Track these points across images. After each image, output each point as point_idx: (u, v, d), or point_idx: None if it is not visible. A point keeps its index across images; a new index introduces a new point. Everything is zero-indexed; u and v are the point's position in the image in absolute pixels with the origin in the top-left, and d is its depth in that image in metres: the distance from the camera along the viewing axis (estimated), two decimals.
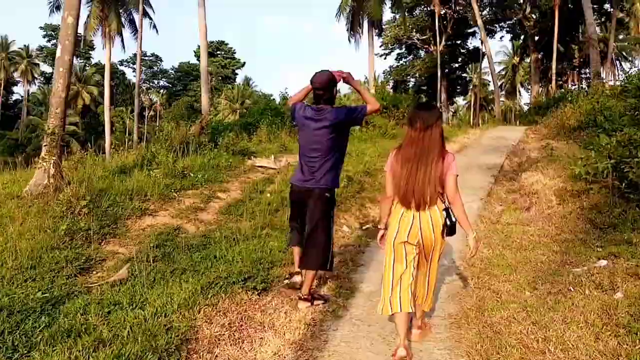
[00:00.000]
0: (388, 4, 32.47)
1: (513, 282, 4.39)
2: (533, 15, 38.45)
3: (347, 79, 4.14)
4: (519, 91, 62.16)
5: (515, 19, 40.74)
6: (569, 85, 49.31)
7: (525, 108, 44.61)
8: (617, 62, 47.22)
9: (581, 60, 43.40)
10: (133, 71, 62.12)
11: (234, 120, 19.89)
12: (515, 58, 58.11)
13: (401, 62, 47.05)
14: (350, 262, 5.27)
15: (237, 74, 66.13)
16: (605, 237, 5.18)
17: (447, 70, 44.47)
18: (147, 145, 9.44)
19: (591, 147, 6.16)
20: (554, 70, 30.62)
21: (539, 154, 9.54)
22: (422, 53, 46.34)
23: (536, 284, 4.34)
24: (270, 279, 4.40)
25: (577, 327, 3.43)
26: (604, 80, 19.54)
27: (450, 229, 3.25)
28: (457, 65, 49.09)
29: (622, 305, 3.67)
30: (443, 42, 40.17)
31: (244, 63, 66.37)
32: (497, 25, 43.92)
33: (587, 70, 48.50)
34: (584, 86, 44.64)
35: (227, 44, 65.50)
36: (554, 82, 30.84)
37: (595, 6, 36.79)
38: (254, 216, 6.47)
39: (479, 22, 30.44)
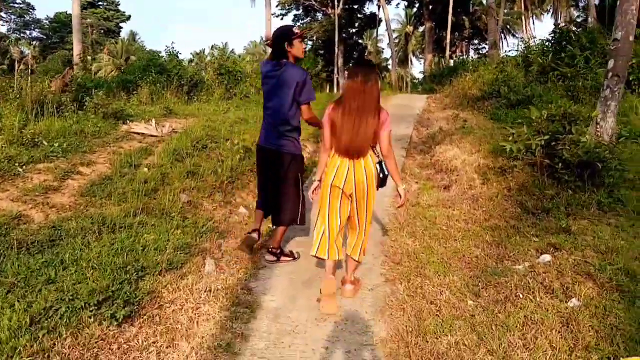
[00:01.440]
0: None
1: (450, 287, 3.58)
2: None
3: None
4: (411, 60, 63.74)
5: None
6: (458, 55, 51.32)
7: (418, 77, 45.70)
8: (502, 35, 49.78)
9: (471, 31, 45.05)
10: (1, 19, 54.43)
11: (112, 77, 17.45)
12: (409, 27, 59.20)
13: (298, 23, 45.60)
14: (250, 262, 4.16)
15: (121, 27, 60.37)
16: (539, 224, 4.59)
17: (344, 35, 43.88)
18: None
19: (519, 122, 5.55)
20: (448, 40, 31.12)
21: (450, 125, 9.00)
22: (319, 16, 45.28)
23: (477, 288, 3.57)
24: (138, 297, 3.16)
25: (544, 355, 2.68)
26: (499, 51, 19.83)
27: (382, 181, 3.53)
28: (354, 30, 48.76)
29: (583, 317, 3.00)
30: (341, 6, 39.37)
31: (129, 16, 60.70)
32: None
33: (476, 41, 50.85)
34: (472, 56, 46.66)
35: None
36: (447, 51, 31.36)
37: None
38: (125, 198, 5.09)
39: None
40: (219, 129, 8.18)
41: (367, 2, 45.52)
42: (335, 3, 37.67)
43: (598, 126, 5.36)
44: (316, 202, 3.63)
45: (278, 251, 4.16)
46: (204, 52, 48.62)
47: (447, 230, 4.67)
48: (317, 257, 3.56)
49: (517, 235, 4.40)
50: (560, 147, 4.87)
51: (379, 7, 44.31)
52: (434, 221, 4.87)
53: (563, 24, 14.63)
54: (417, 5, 46.52)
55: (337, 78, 35.57)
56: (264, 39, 29.54)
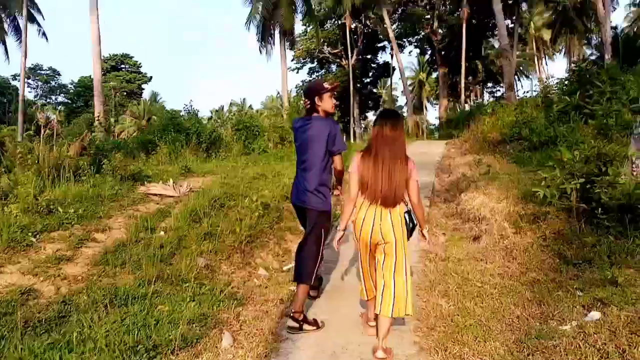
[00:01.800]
0: (299, 16, 31.78)
1: (493, 355, 3.23)
2: (440, 30, 39.48)
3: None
4: (426, 106, 64.10)
5: (423, 34, 41.70)
6: (473, 99, 51.49)
7: (434, 122, 45.73)
8: (515, 77, 49.95)
9: (484, 75, 45.33)
10: (28, 86, 56.75)
11: (132, 138, 17.73)
12: (422, 73, 59.95)
13: (313, 76, 46.55)
14: (270, 334, 3.86)
15: (143, 89, 62.32)
16: (582, 275, 4.22)
17: (359, 85, 44.60)
18: (7, 171, 7.47)
19: (549, 164, 5.26)
20: (462, 84, 31.24)
21: (472, 171, 8.74)
22: (334, 67, 46.23)
23: (523, 355, 3.20)
24: None
25: None
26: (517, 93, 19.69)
27: (410, 231, 3.52)
28: (368, 80, 49.54)
29: None
30: (354, 56, 40.18)
31: (151, 77, 62.83)
32: (405, 40, 44.80)
33: (490, 84, 51.11)
34: (486, 99, 46.73)
35: (132, 57, 61.67)
36: (463, 95, 31.44)
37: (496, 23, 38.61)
38: (140, 265, 4.89)
39: (391, 35, 30.43)
40: (237, 186, 8.04)
41: (380, 51, 46.50)
42: (349, 54, 38.44)
43: (634, 165, 5.04)
44: (341, 253, 3.84)
45: (301, 317, 3.89)
46: (222, 108, 49.96)
47: (482, 287, 4.33)
48: (366, 300, 3.76)
49: (559, 290, 4.04)
50: (597, 190, 4.55)
51: (392, 55, 45.12)
52: (466, 277, 4.54)
53: (577, 63, 14.43)
54: (429, 52, 47.29)
55: (354, 128, 35.83)
56: (279, 93, 30.02)
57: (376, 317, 3.48)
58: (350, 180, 3.52)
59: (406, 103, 37.75)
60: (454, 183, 8.31)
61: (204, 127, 15.16)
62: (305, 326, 3.88)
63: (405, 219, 3.47)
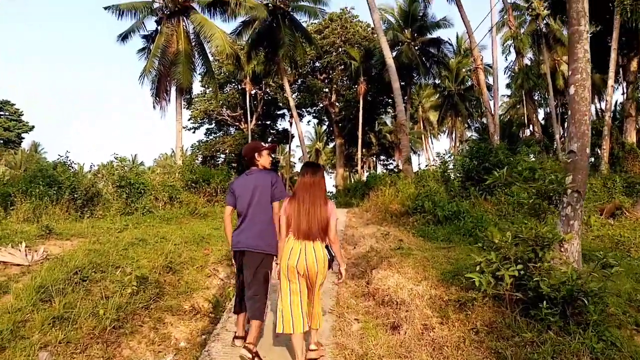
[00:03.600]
0: (198, 76, 30.99)
1: None
2: (337, 103, 40.73)
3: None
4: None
5: (321, 105, 42.73)
6: (367, 170, 53.20)
7: (331, 190, 46.21)
8: None
9: (378, 148, 47.17)
10: None
11: None
12: (319, 143, 61.39)
13: (211, 137, 45.39)
14: None
15: (23, 138, 56.74)
16: None
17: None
18: None
19: (481, 246, 4.67)
20: (359, 155, 31.93)
21: (380, 243, 8.08)
22: (232, 130, 45.50)
23: None
24: None
25: None
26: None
27: (330, 262, 4.09)
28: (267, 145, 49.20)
29: None
30: (254, 121, 39.92)
31: (33, 127, 57.45)
32: (304, 110, 45.59)
33: (383, 157, 53.27)
34: (380, 170, 48.40)
35: (12, 104, 56.28)
36: (359, 166, 32.02)
37: (390, 101, 40.70)
38: None
39: (292, 103, 30.55)
40: (108, 254, 6.62)
41: (280, 118, 46.82)
42: (249, 118, 38.09)
43: (562, 249, 4.60)
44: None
45: (254, 350, 4.16)
46: (111, 163, 46.06)
47: None
48: (286, 334, 4.04)
49: None
50: (535, 278, 3.98)
51: (291, 123, 45.61)
52: None
53: (471, 140, 14.99)
54: (327, 123, 48.52)
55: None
56: (174, 151, 28.29)
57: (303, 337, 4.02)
58: (281, 222, 4.14)
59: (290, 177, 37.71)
60: (362, 257, 7.55)
61: (79, 182, 13.30)
62: None
63: (325, 253, 4.02)
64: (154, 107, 28.24)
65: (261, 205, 4.45)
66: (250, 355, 4.07)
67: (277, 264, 4.15)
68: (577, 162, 4.77)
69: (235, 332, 4.70)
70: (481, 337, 4.13)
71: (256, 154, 4.65)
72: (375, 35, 37.31)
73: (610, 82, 21.39)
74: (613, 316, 4.21)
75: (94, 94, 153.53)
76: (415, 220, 10.56)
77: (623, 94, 28.74)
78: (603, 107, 52.97)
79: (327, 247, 4.06)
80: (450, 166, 13.46)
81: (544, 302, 3.88)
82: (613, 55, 20.66)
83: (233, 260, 4.70)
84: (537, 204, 4.31)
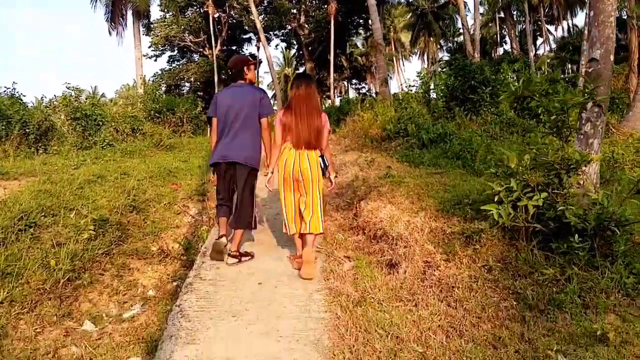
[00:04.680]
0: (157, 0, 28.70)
1: None
2: (307, 25, 38.72)
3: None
4: None
5: (290, 27, 40.62)
6: (338, 95, 51.98)
7: None
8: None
9: (350, 71, 45.78)
10: None
11: None
12: (287, 68, 59.31)
13: (174, 65, 43.03)
14: None
15: None
16: (556, 328, 3.01)
17: (224, 76, 42.14)
18: None
19: (490, 171, 4.04)
20: (331, 80, 30.80)
21: (366, 172, 7.45)
22: (196, 57, 43.15)
23: None
24: None
25: None
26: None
27: (323, 170, 4.30)
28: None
29: None
30: (218, 47, 37.77)
31: None
32: (272, 33, 43.34)
33: (355, 81, 52.00)
34: (352, 95, 47.32)
35: None
36: (332, 90, 30.91)
37: (362, 21, 38.92)
38: None
39: (259, 26, 28.73)
40: (60, 194, 5.81)
41: (246, 43, 44.58)
42: (213, 44, 36.00)
43: (580, 171, 4.03)
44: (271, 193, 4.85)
45: (237, 254, 4.54)
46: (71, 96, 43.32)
47: (425, 353, 2.91)
48: (290, 235, 4.40)
49: (534, 356, 2.76)
50: (560, 207, 3.41)
51: (258, 48, 43.45)
52: (398, 336, 3.09)
53: (433, 64, 14.18)
54: (295, 46, 46.47)
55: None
56: (136, 81, 26.34)
57: (301, 237, 4.32)
58: (276, 131, 4.26)
59: (274, 95, 36.42)
60: (346, 186, 6.94)
61: (31, 115, 12.13)
62: (243, 258, 4.55)
63: (319, 161, 4.24)
64: (109, 33, 26.30)
65: (249, 119, 4.50)
66: (236, 260, 4.46)
67: (269, 172, 4.32)
68: (600, 71, 4.10)
69: (219, 232, 4.70)
70: (495, 276, 3.61)
71: (245, 67, 4.67)
72: None
73: None
74: (638, 245, 3.72)
75: (40, 28, 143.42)
76: (397, 145, 9.95)
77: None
78: (578, 23, 52.18)
79: (321, 156, 4.26)
80: (432, 86, 12.73)
81: (575, 234, 3.32)
82: None
83: (212, 171, 4.75)
84: (560, 120, 3.66)
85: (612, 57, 4.14)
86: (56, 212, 5.32)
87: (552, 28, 49.68)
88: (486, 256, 3.80)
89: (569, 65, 36.63)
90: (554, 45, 47.08)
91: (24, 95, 12.85)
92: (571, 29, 47.59)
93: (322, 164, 4.24)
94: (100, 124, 11.81)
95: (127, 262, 5.15)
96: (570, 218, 3.32)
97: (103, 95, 52.46)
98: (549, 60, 37.60)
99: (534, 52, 41.01)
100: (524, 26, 38.38)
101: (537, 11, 41.02)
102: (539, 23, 45.52)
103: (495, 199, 3.63)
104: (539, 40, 48.46)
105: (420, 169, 7.34)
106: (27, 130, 11.85)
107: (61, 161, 8.78)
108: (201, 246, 5.29)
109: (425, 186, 5.73)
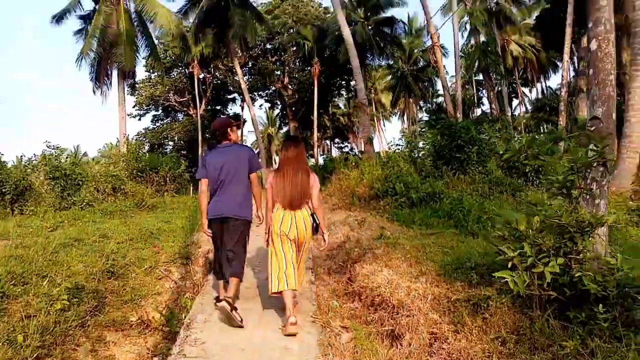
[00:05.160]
0: (142, 61, 29.09)
1: None
2: (290, 86, 39.49)
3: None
4: (275, 160, 64.00)
5: (274, 88, 41.36)
6: (320, 154, 52.41)
7: None
8: (357, 134, 52.11)
9: (333, 130, 46.39)
10: None
11: None
12: (271, 128, 59.98)
13: (158, 124, 43.16)
14: None
15: None
16: None
17: (208, 135, 42.29)
18: None
19: (497, 234, 3.81)
20: (315, 138, 31.00)
21: (357, 232, 7.20)
22: (180, 116, 43.41)
23: None
24: None
25: None
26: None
27: (315, 229, 4.53)
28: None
29: None
30: (203, 106, 38.13)
31: None
32: (256, 94, 44.03)
33: (337, 140, 52.64)
34: (335, 154, 47.73)
35: None
36: (316, 149, 31.08)
37: (344, 82, 39.85)
38: None
39: (243, 86, 29.13)
40: (33, 260, 5.41)
41: (230, 103, 45.15)
42: (198, 104, 36.35)
43: (594, 235, 3.82)
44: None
45: (234, 304, 4.52)
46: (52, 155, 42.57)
47: None
48: (277, 294, 4.43)
49: None
50: (576, 273, 3.18)
51: (242, 107, 44.00)
52: None
53: (435, 117, 14.33)
54: (279, 106, 47.16)
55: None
56: (119, 140, 26.08)
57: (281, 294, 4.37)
58: (267, 194, 4.51)
59: (258, 153, 36.49)
60: (337, 248, 6.65)
61: (8, 175, 11.74)
62: (234, 314, 4.41)
63: (311, 220, 4.45)
64: (93, 92, 26.28)
65: (240, 177, 4.71)
66: (229, 308, 4.39)
67: (266, 233, 4.59)
68: (602, 130, 4.00)
69: (219, 296, 4.82)
70: (510, 349, 3.30)
71: (228, 129, 4.92)
72: (328, 15, 36.30)
73: (566, 57, 21.26)
74: None
75: (33, 83, 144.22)
76: (386, 204, 9.76)
77: (574, 70, 29.06)
78: (552, 86, 54.25)
79: (312, 215, 4.48)
80: (419, 145, 12.76)
81: (595, 302, 3.08)
82: (568, 30, 20.51)
83: (207, 229, 4.87)
84: (569, 180, 3.50)
85: (614, 116, 4.06)
86: (27, 280, 4.92)
87: (526, 90, 51.67)
88: (498, 326, 3.51)
89: (545, 125, 37.65)
90: (529, 107, 48.78)
91: (2, 154, 12.47)
92: (545, 91, 49.48)
93: (314, 223, 4.45)
94: (80, 183, 11.45)
95: (103, 335, 4.71)
96: (590, 285, 3.08)
97: (85, 154, 52.03)
98: (524, 121, 38.72)
99: (510, 113, 42.28)
100: (499, 88, 39.66)
101: (512, 74, 42.64)
102: (514, 85, 47.27)
103: (509, 265, 3.39)
104: (515, 102, 50.19)
105: (413, 229, 7.12)
106: (4, 190, 11.44)
107: (37, 222, 8.36)
108: (185, 317, 4.88)
109: (422, 248, 5.49)
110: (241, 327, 4.40)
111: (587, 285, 3.11)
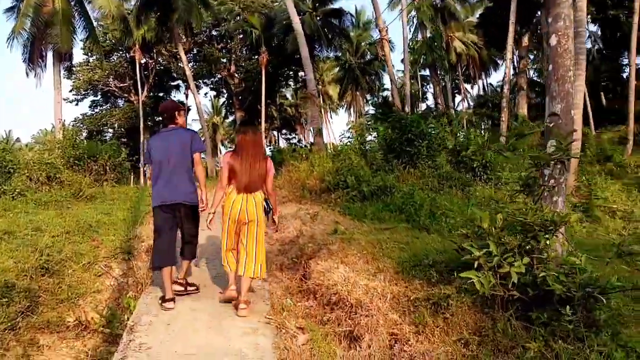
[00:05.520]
0: (80, 44, 27.49)
1: None
2: (237, 74, 38.67)
3: None
4: (220, 150, 62.84)
5: (219, 76, 40.39)
6: (267, 145, 51.87)
7: None
8: (305, 125, 52.02)
9: (280, 121, 45.93)
10: None
11: None
12: (216, 117, 58.77)
13: (97, 110, 41.16)
14: None
15: None
16: None
17: (150, 122, 40.75)
18: None
19: (461, 232, 3.72)
20: (263, 129, 30.42)
21: (310, 227, 7.01)
22: (121, 102, 41.59)
23: None
24: None
25: None
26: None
27: (267, 213, 4.64)
28: (160, 118, 45.83)
29: None
30: (145, 93, 36.67)
31: None
32: (201, 82, 42.84)
33: (285, 131, 52.25)
34: (282, 145, 47.35)
35: None
36: (263, 140, 30.58)
37: (292, 73, 39.46)
38: None
39: (188, 73, 28.26)
40: None
41: (174, 90, 43.72)
42: (139, 90, 34.90)
43: (557, 233, 3.82)
44: (211, 232, 5.01)
45: (184, 282, 4.95)
46: None
47: None
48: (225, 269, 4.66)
49: None
50: (540, 272, 3.13)
51: (186, 95, 42.72)
52: None
53: (360, 117, 14.36)
54: (225, 95, 46.15)
55: (145, 169, 31.94)
56: (55, 125, 24.49)
57: (237, 279, 4.57)
58: (222, 174, 4.64)
59: (203, 142, 35.52)
60: (290, 243, 6.45)
61: None
62: (189, 288, 4.94)
63: (264, 204, 4.57)
64: (27, 74, 24.67)
65: (185, 160, 4.67)
66: (182, 288, 4.79)
67: (210, 213, 4.63)
68: (561, 126, 4.00)
69: (164, 295, 4.60)
70: (473, 351, 3.23)
71: (176, 112, 4.89)
72: (276, 4, 35.71)
73: (509, 55, 21.94)
74: (616, 311, 3.50)
75: None
76: (337, 197, 9.64)
77: (515, 68, 30.08)
78: (492, 83, 56.14)
79: (266, 200, 4.59)
80: (370, 138, 12.74)
81: (563, 303, 3.04)
82: (511, 28, 21.13)
83: (154, 214, 4.81)
84: (532, 177, 3.46)
85: (573, 113, 4.07)
86: None
87: (468, 87, 53.25)
88: (460, 327, 3.44)
89: (487, 120, 38.88)
90: (471, 103, 50.27)
91: None
92: (486, 88, 51.14)
93: (267, 207, 4.58)
94: (12, 171, 10.61)
95: (36, 338, 4.34)
96: (555, 286, 3.04)
97: (18, 139, 48.99)
98: (467, 116, 39.84)
99: (453, 108, 43.39)
100: (443, 84, 40.57)
101: (455, 70, 43.74)
102: (457, 81, 48.56)
103: (475, 264, 3.30)
104: (458, 98, 51.62)
105: (366, 224, 7.03)
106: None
107: None
108: (127, 318, 4.54)
109: (377, 244, 5.38)
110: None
111: (551, 286, 3.07)
